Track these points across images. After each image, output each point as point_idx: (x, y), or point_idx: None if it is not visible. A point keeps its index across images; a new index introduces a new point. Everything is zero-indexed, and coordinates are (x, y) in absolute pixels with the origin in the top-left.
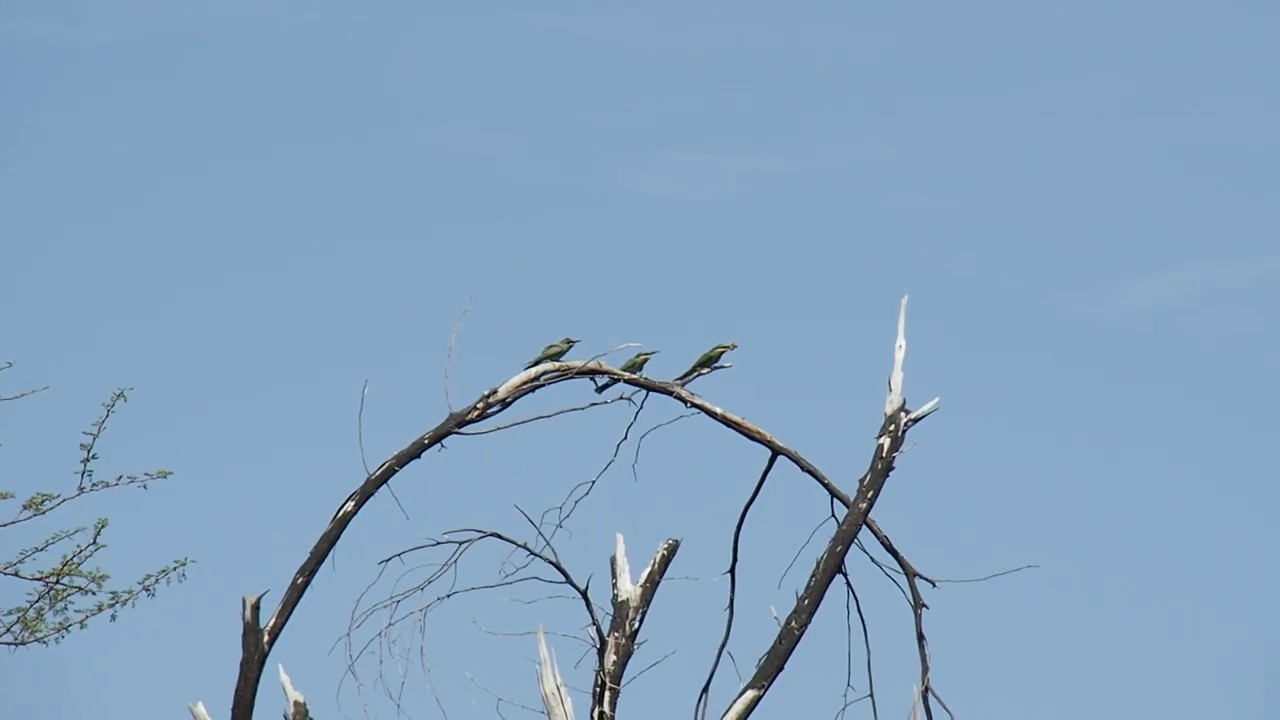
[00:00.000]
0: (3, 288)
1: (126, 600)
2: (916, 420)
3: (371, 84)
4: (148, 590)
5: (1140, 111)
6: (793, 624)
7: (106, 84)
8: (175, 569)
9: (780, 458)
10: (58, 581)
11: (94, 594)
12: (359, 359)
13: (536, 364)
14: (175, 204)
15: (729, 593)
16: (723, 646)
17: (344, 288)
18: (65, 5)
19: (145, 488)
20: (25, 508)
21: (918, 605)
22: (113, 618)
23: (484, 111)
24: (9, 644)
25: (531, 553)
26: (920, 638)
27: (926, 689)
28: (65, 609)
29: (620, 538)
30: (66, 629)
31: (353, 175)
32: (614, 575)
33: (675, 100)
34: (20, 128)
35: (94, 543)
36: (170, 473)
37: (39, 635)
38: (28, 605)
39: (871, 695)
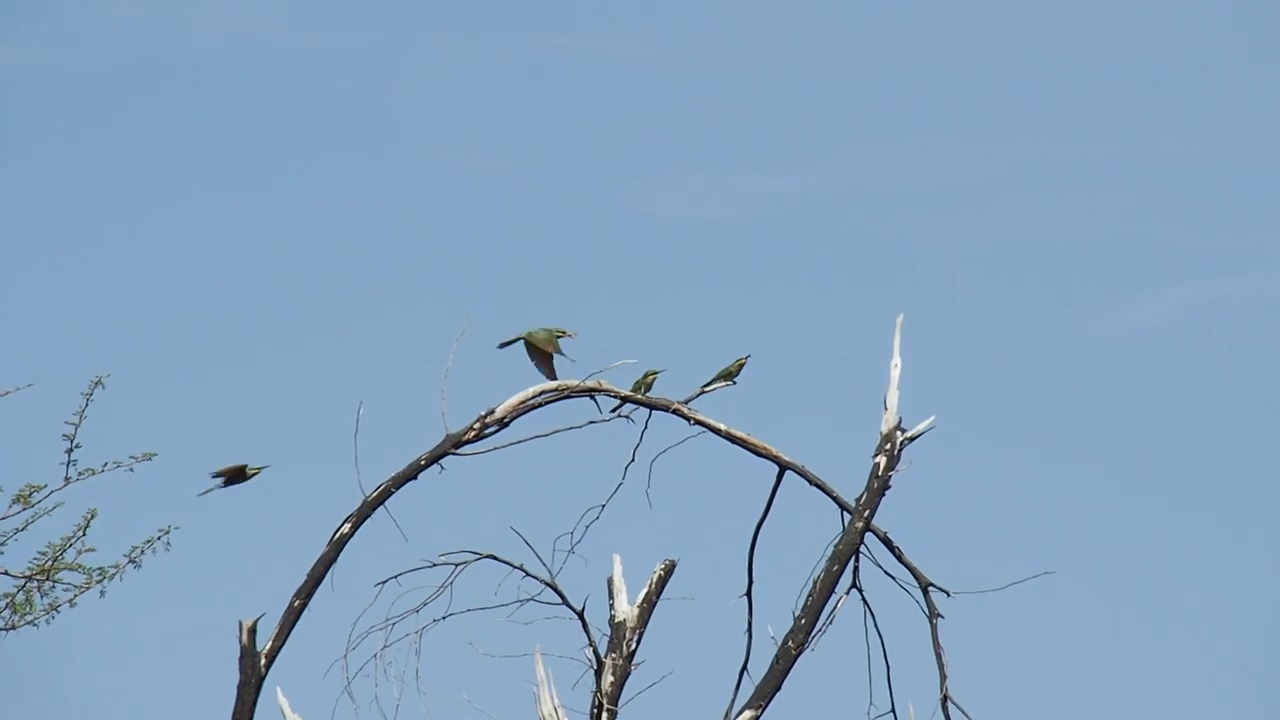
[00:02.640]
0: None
1: (114, 574)
2: (913, 439)
3: (372, 104)
4: (134, 562)
5: (1145, 127)
6: (789, 643)
7: (104, 102)
8: (160, 537)
9: (788, 473)
10: (46, 577)
11: (80, 570)
12: (356, 380)
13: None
14: (175, 222)
15: (747, 615)
16: (743, 669)
17: (342, 307)
18: (63, 29)
19: (132, 470)
20: (14, 502)
21: (933, 616)
22: (101, 594)
23: (485, 132)
24: (1, 629)
25: (527, 574)
26: (937, 648)
27: (945, 698)
28: (54, 588)
29: (617, 558)
30: (56, 609)
31: (353, 195)
32: (611, 596)
33: (677, 120)
34: (15, 141)
35: (83, 534)
36: (155, 454)
37: (30, 619)
38: (15, 590)
39: (893, 711)
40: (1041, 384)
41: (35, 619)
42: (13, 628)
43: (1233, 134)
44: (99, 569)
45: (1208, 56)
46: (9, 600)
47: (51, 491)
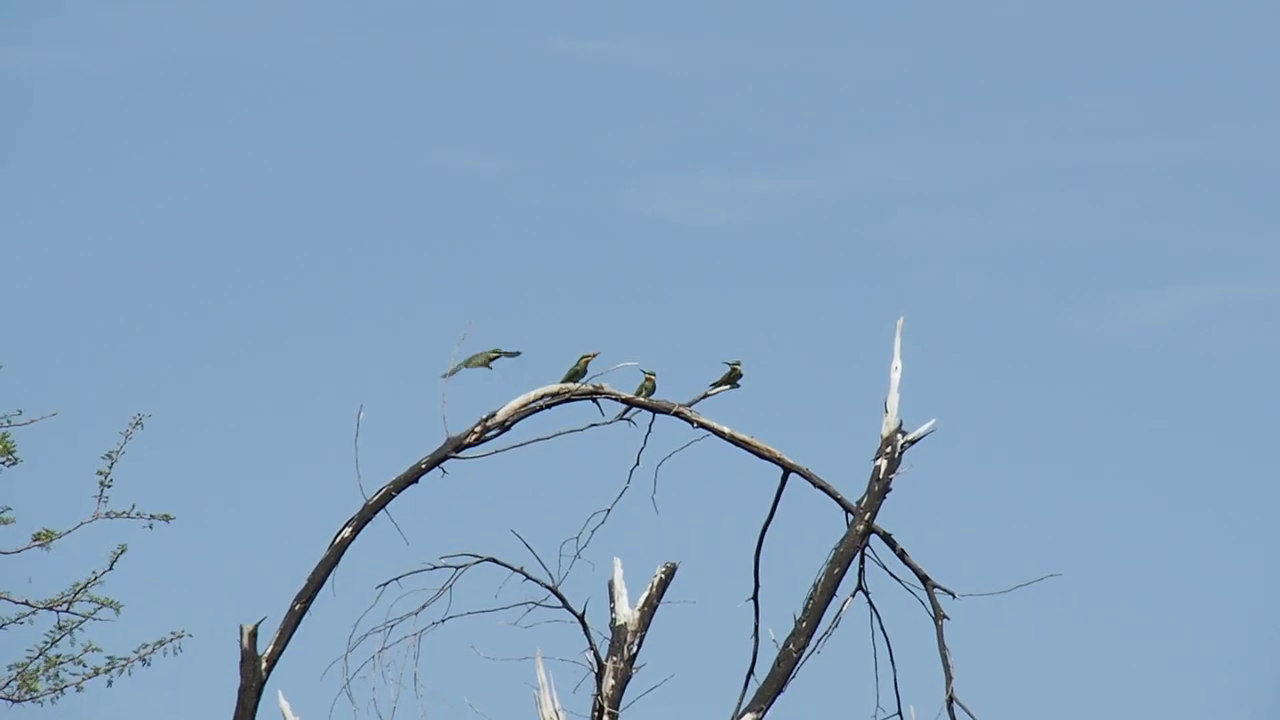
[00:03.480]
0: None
1: (124, 667)
2: (913, 442)
3: (376, 107)
4: (144, 660)
5: (1148, 130)
6: (790, 647)
7: (110, 110)
8: (171, 640)
9: (792, 476)
10: (67, 607)
11: (107, 604)
12: (358, 383)
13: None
14: (175, 227)
15: (754, 619)
16: (749, 673)
17: (344, 310)
18: (66, 33)
19: (150, 527)
20: (35, 539)
21: (938, 616)
22: (109, 684)
23: (490, 135)
24: (6, 699)
25: (528, 577)
26: (942, 648)
27: (951, 699)
28: (58, 675)
29: (618, 561)
30: (62, 691)
31: (357, 198)
32: (612, 599)
33: (681, 123)
34: (24, 153)
35: (110, 568)
36: (173, 517)
37: (34, 695)
38: (28, 660)
39: (899, 712)
40: (1044, 385)
41: (40, 697)
42: (19, 700)
43: (1235, 136)
44: (109, 658)
45: (1210, 59)
46: (19, 672)
47: (80, 525)
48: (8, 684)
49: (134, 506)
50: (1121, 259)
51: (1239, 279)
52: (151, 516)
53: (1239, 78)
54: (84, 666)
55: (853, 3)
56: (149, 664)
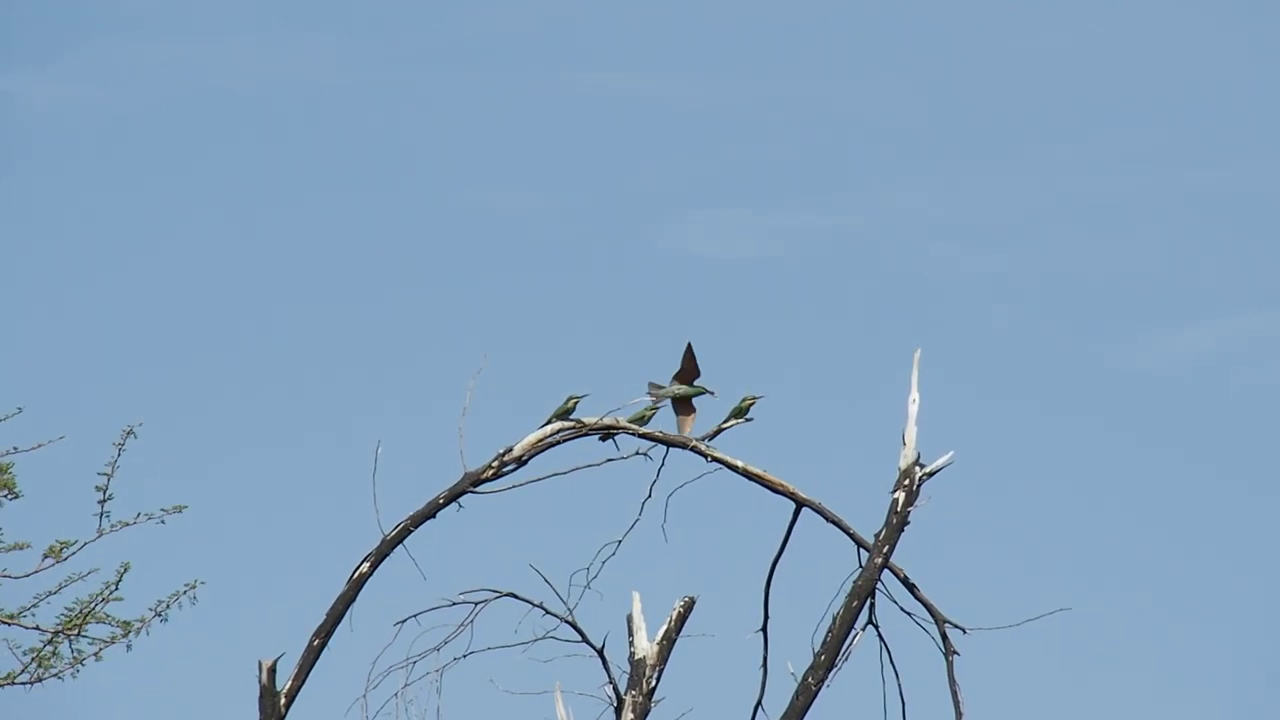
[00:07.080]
0: (17, 332)
1: (140, 628)
2: (931, 474)
3: (405, 142)
4: (160, 615)
5: (1182, 161)
6: (809, 680)
7: (138, 145)
8: (186, 591)
9: (805, 510)
10: (77, 631)
11: (109, 621)
12: (377, 417)
13: (548, 423)
14: (205, 256)
15: (762, 651)
16: (757, 705)
17: (367, 344)
18: (93, 70)
19: (164, 522)
20: (46, 556)
21: (949, 653)
22: (128, 648)
23: (519, 170)
24: (25, 683)
25: (547, 612)
26: (953, 684)
27: None
28: (79, 639)
29: (636, 595)
30: (82, 661)
31: (385, 234)
32: (631, 633)
33: (712, 156)
34: (51, 192)
35: (115, 588)
36: (185, 507)
37: (55, 671)
38: (41, 644)
39: None
40: (1076, 419)
41: (60, 672)
42: (38, 680)
43: (1270, 168)
44: (124, 623)
45: (1244, 91)
46: (35, 655)
47: (84, 544)
48: (24, 670)
49: (138, 514)
50: (1155, 291)
51: (1275, 311)
52: (163, 511)
53: (1270, 108)
54: (105, 625)
55: (884, 35)
56: (166, 619)
